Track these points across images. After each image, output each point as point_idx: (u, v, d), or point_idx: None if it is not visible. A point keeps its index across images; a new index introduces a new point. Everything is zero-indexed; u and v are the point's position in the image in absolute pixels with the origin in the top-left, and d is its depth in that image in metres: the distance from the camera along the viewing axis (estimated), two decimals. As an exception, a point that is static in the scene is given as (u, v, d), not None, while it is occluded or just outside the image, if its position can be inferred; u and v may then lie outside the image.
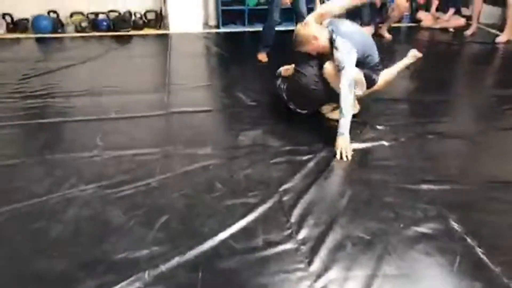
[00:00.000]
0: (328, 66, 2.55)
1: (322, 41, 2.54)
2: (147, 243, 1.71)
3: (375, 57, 2.65)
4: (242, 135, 2.56)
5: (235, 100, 3.09)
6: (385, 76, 2.81)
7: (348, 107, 2.38)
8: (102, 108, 2.92)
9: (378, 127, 2.69)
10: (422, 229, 1.82)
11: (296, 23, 3.83)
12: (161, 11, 5.11)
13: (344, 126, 2.37)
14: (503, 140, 2.62)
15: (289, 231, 1.79)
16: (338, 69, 2.45)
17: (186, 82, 3.44)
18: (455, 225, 1.83)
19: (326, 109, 2.82)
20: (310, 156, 2.33)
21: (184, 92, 3.25)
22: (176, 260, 1.62)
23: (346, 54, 2.45)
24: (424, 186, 2.10)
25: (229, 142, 2.50)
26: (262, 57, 3.94)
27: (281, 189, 2.06)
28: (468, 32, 4.90)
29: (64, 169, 2.21)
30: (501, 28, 4.97)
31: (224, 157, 2.33)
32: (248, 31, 5.06)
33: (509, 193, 2.05)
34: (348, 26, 2.61)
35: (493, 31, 5.06)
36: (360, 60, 2.52)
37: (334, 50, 2.48)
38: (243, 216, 1.86)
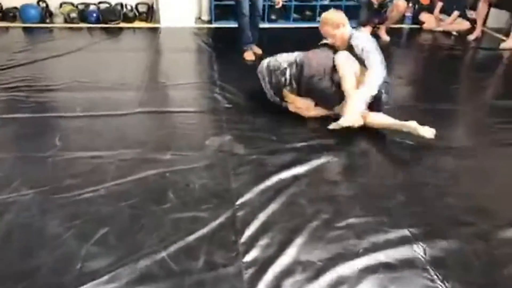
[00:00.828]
0: (340, 55, 2.59)
1: (345, 33, 2.65)
2: (78, 259, 1.57)
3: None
4: (209, 140, 2.41)
5: (210, 102, 2.94)
6: (381, 119, 2.55)
7: (376, 82, 2.44)
8: (71, 104, 2.81)
9: (358, 137, 2.52)
10: (383, 256, 1.65)
11: (251, 16, 3.69)
12: (153, 4, 4.96)
13: (362, 96, 2.43)
14: (490, 158, 2.42)
15: (235, 252, 1.64)
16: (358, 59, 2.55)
17: (165, 80, 3.30)
18: (420, 253, 1.66)
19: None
20: (276, 168, 2.17)
21: (160, 90, 3.12)
22: (104, 280, 1.49)
23: (367, 41, 2.55)
24: (394, 207, 1.93)
25: (193, 147, 2.34)
26: (248, 55, 3.78)
27: (237, 203, 1.91)
28: (472, 37, 4.67)
29: (12, 169, 2.09)
30: (507, 33, 4.74)
31: (184, 163, 2.18)
32: (242, 28, 4.90)
33: (481, 219, 1.87)
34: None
35: (499, 36, 4.81)
36: None
37: (353, 40, 2.58)
38: (189, 232, 1.71)
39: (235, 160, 2.23)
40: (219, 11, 4.93)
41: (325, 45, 2.83)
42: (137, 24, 4.90)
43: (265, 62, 2.85)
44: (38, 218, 1.77)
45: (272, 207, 1.89)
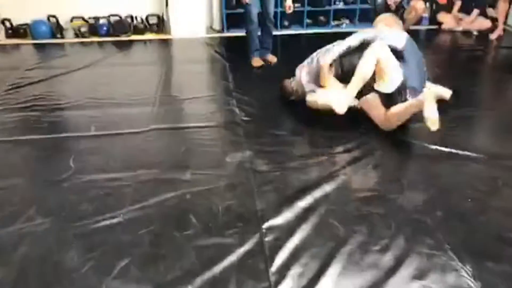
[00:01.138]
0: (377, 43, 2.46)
1: None
2: (99, 295, 1.47)
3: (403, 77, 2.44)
4: (229, 157, 2.30)
5: (228, 115, 2.83)
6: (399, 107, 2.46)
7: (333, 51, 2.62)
8: (84, 123, 2.71)
9: (385, 147, 2.39)
10: (428, 283, 1.51)
11: (263, 24, 3.66)
12: (163, 15, 4.89)
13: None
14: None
15: (267, 283, 1.51)
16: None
17: (179, 94, 3.19)
18: (468, 279, 1.52)
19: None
20: (303, 186, 2.04)
21: (175, 105, 3.00)
22: (127, 320, 1.37)
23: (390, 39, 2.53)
24: (433, 225, 1.79)
25: (213, 165, 2.23)
26: (256, 61, 3.73)
27: (264, 226, 1.78)
28: (493, 36, 4.48)
29: (26, 196, 2.00)
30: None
31: (205, 183, 2.07)
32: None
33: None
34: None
35: (523, 34, 4.64)
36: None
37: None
38: (215, 261, 1.59)
39: (259, 178, 2.11)
40: (231, 20, 4.83)
41: None
42: (148, 36, 4.83)
43: None
44: (55, 250, 1.67)
45: (303, 229, 1.76)
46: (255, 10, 3.54)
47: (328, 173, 2.14)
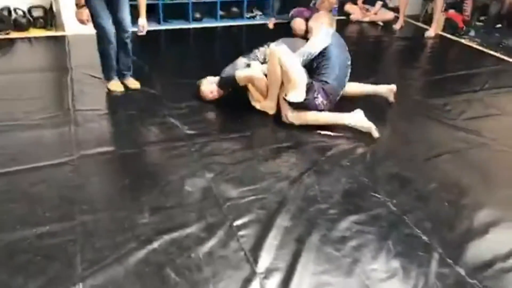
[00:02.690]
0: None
1: None
2: None
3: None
4: (187, 184, 1.95)
5: (168, 130, 2.43)
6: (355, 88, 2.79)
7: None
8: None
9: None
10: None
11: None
12: (51, 6, 4.12)
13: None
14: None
15: None
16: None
17: (98, 107, 2.66)
18: None
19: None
20: (284, 209, 1.81)
21: (99, 122, 2.48)
22: None
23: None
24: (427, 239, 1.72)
25: (172, 196, 1.86)
26: (114, 85, 2.87)
27: (258, 270, 1.52)
28: (397, 26, 4.75)
29: None
30: (425, 20, 4.95)
31: (171, 223, 1.71)
32: (165, 30, 4.32)
33: None
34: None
35: (419, 24, 4.99)
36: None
37: None
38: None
39: (231, 208, 1.82)
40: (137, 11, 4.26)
41: None
42: (32, 33, 4.02)
43: None
44: None
45: (303, 263, 1.54)
46: (109, 25, 2.70)
47: (304, 190, 1.95)
